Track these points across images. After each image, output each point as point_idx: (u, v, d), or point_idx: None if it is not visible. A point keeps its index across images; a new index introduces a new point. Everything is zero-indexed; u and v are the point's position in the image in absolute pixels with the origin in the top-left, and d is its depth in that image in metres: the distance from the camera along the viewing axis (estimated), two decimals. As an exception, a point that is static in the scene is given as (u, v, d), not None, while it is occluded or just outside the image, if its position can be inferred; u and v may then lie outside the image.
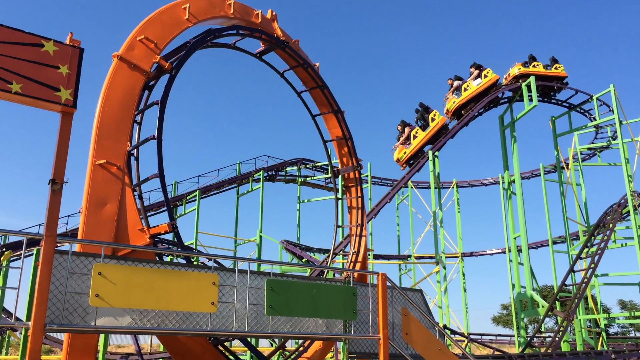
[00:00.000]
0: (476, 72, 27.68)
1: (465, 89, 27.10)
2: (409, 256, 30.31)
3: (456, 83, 27.77)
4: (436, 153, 25.31)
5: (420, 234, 29.86)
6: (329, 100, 13.46)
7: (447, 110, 27.45)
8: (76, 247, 7.34)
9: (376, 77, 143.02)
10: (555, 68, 28.54)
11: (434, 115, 26.28)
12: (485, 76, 27.27)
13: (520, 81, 27.46)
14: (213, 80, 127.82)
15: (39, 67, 5.12)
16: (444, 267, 23.82)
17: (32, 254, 19.75)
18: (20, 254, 5.34)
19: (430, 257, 30.11)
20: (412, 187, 29.51)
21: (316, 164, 31.97)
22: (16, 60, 5.00)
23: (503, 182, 27.15)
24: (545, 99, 28.14)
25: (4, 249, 21.26)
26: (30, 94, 5.05)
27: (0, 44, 4.96)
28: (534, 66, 28.25)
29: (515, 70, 28.05)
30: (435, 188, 24.41)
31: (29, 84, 5.04)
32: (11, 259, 13.22)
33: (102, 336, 11.63)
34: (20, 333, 16.32)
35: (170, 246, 20.28)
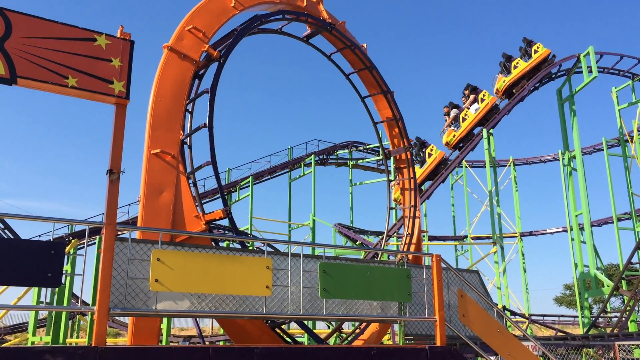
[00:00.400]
0: (472, 96, 26.80)
1: (464, 119, 26.34)
2: (465, 237, 29.74)
3: (453, 112, 26.94)
4: (491, 131, 24.72)
5: (476, 214, 29.20)
6: (377, 81, 13.30)
7: (447, 143, 26.83)
8: (136, 235, 7.61)
9: (422, 57, 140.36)
10: (535, 51, 27.45)
11: (431, 150, 25.90)
12: (482, 100, 26.45)
13: (522, 83, 26.67)
14: (261, 66, 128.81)
15: (92, 61, 5.28)
16: (502, 248, 23.29)
17: (95, 242, 20.66)
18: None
19: (488, 238, 29.47)
20: (466, 167, 28.93)
21: (367, 147, 31.84)
22: (71, 55, 5.17)
23: (563, 159, 26.21)
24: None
25: (71, 238, 22.35)
26: (86, 88, 5.22)
27: (56, 40, 5.13)
28: (514, 67, 27.33)
29: (502, 82, 27.29)
30: (490, 167, 23.85)
31: (84, 77, 5.20)
32: (78, 246, 13.88)
33: (165, 319, 12.06)
34: (89, 317, 17.15)
35: (226, 232, 20.74)
